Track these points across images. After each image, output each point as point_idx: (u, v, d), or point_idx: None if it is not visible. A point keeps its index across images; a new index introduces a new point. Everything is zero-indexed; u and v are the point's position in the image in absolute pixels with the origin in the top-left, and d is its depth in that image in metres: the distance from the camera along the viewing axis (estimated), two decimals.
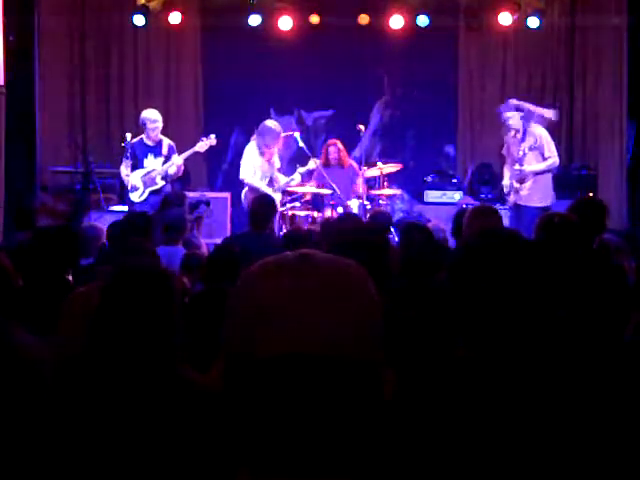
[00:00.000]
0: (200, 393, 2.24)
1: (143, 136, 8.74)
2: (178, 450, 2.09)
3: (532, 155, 8.01)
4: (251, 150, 8.80)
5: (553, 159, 8.02)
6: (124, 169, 8.62)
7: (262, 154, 8.77)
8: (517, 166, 8.00)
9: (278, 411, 1.04)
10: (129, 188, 8.61)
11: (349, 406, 1.05)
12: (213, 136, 8.95)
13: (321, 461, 1.05)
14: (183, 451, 2.09)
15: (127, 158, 8.58)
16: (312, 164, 9.12)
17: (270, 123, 8.94)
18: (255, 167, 8.75)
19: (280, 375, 1.04)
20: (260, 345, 1.04)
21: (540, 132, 8.06)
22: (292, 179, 9.07)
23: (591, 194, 10.24)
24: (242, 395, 1.06)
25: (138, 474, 2.06)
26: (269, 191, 8.71)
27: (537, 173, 7.96)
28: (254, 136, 8.90)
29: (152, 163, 8.59)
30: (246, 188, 8.77)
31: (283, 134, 9.49)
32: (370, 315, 1.09)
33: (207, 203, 8.73)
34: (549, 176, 8.10)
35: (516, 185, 8.06)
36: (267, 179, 8.86)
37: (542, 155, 7.97)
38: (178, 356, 2.35)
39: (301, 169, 9.12)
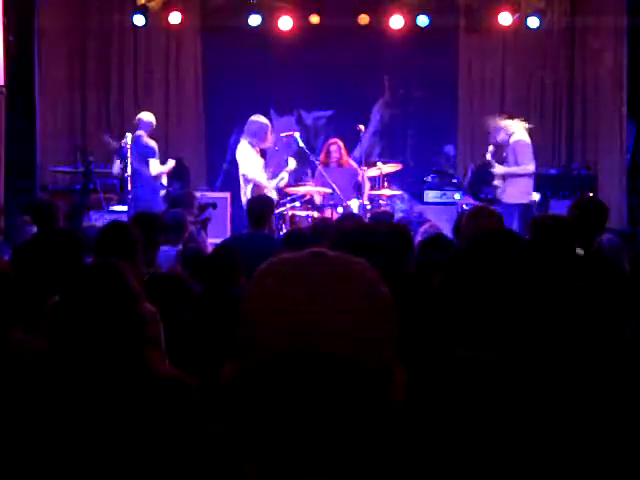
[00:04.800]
0: (171, 385, 2.24)
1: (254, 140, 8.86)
2: (149, 445, 2.08)
3: (511, 160, 8.96)
4: (246, 148, 8.76)
5: (525, 166, 8.85)
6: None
7: (254, 149, 8.77)
8: (499, 168, 8.98)
9: (291, 409, 1.05)
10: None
11: (361, 405, 1.06)
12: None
13: (328, 459, 1.05)
14: (155, 446, 2.08)
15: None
16: (292, 164, 9.10)
17: (256, 117, 8.91)
18: (255, 165, 8.73)
19: (294, 373, 1.04)
20: (274, 344, 1.05)
21: (516, 143, 8.88)
22: (281, 178, 9.05)
23: (591, 194, 10.24)
24: (255, 394, 1.06)
25: (109, 473, 2.05)
26: (271, 186, 8.74)
27: (512, 175, 8.88)
28: (244, 135, 8.86)
29: None
30: (250, 186, 8.70)
31: (283, 134, 9.48)
32: (384, 314, 1.09)
33: (214, 205, 8.74)
34: (527, 178, 8.94)
35: (498, 183, 9.06)
36: (265, 175, 8.87)
37: (516, 162, 8.91)
38: (145, 347, 2.33)
39: (287, 169, 9.10)
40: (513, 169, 8.89)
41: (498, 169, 9.00)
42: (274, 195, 8.83)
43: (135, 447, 2.07)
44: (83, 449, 2.05)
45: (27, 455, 2.05)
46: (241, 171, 8.75)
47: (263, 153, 9.04)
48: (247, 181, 8.74)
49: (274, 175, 9.07)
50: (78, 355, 2.19)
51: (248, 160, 8.70)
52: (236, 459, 1.10)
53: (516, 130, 8.92)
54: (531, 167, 8.92)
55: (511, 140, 8.89)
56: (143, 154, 8.85)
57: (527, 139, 8.96)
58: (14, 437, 2.09)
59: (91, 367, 2.18)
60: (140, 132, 8.98)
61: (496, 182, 9.05)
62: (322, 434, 1.05)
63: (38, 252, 3.77)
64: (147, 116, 9.16)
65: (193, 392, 2.25)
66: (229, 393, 1.10)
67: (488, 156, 9.10)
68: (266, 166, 9.06)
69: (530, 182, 8.98)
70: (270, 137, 8.91)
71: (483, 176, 11.14)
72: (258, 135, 8.74)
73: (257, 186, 8.63)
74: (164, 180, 9.12)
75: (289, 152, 9.91)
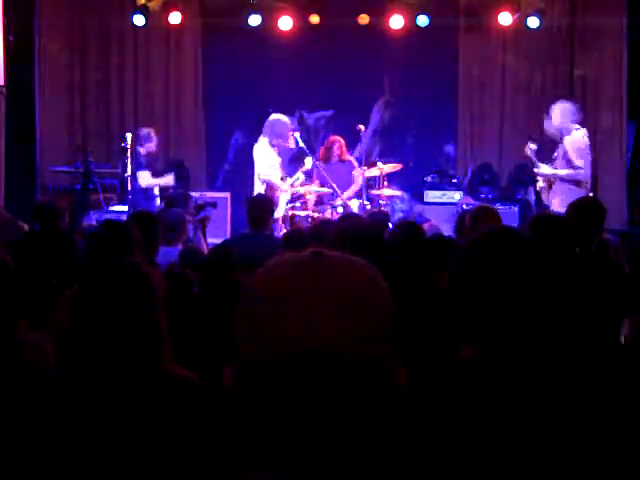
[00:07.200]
0: (189, 389, 2.23)
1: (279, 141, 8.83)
2: (167, 447, 2.08)
3: (561, 162, 8.24)
4: (265, 147, 8.75)
5: (577, 170, 8.16)
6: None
7: (273, 148, 8.77)
8: (544, 169, 8.28)
9: (293, 408, 1.05)
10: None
11: (362, 403, 1.06)
12: None
13: (334, 458, 1.05)
14: (172, 448, 2.08)
15: None
16: (309, 163, 9.10)
17: (276, 116, 8.93)
18: (272, 164, 8.72)
19: (295, 372, 1.04)
20: (276, 342, 1.05)
21: (571, 144, 8.21)
22: (297, 178, 9.06)
23: (591, 194, 10.23)
24: (257, 394, 1.06)
25: (125, 473, 2.05)
26: (286, 186, 8.74)
27: (561, 179, 8.19)
28: (263, 134, 8.86)
29: None
30: (264, 186, 8.66)
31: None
32: (384, 311, 1.10)
33: (213, 204, 8.72)
34: (577, 185, 8.20)
35: (542, 185, 8.38)
36: (280, 175, 8.87)
37: (569, 164, 8.19)
38: (167, 353, 2.32)
39: (303, 169, 9.11)
40: (568, 172, 8.13)
41: (544, 169, 8.29)
42: (288, 196, 8.83)
43: (151, 447, 2.07)
44: (98, 450, 2.05)
45: (42, 455, 2.05)
46: (256, 170, 8.75)
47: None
48: (261, 181, 8.73)
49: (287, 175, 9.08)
50: (97, 355, 2.16)
51: (265, 159, 8.68)
52: (244, 459, 1.10)
53: (574, 128, 8.28)
54: (584, 171, 8.20)
55: (568, 137, 8.23)
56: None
57: (586, 139, 8.34)
58: (26, 438, 2.09)
59: (110, 368, 2.15)
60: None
61: (541, 183, 8.35)
62: (324, 434, 1.05)
63: (30, 250, 3.78)
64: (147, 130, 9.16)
65: (206, 393, 2.24)
66: (230, 393, 1.10)
67: (527, 151, 8.45)
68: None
69: (582, 191, 8.11)
70: (291, 136, 8.92)
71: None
72: (283, 135, 8.75)
73: (270, 186, 8.64)
74: (156, 190, 9.00)
75: (289, 152, 9.91)
